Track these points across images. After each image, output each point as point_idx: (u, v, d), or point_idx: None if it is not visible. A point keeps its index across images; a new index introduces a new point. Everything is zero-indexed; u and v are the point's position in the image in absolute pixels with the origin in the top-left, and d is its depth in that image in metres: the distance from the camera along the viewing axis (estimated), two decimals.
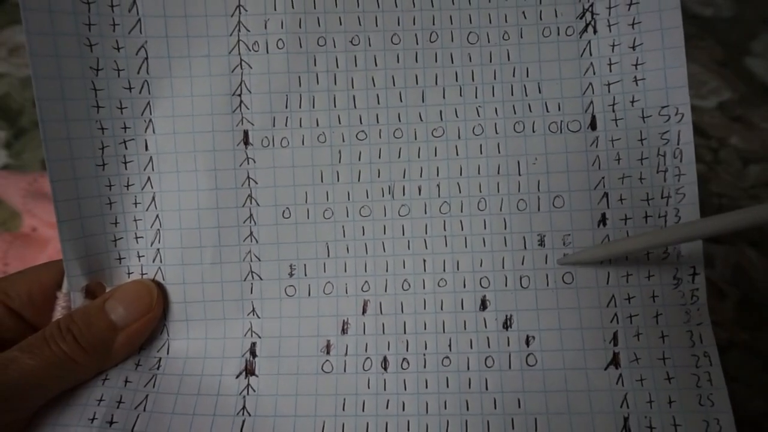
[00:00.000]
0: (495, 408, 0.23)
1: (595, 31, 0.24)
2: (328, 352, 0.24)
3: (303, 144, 0.25)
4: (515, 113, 0.24)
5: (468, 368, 0.23)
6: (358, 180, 0.24)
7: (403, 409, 0.23)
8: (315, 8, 0.24)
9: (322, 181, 0.25)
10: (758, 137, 0.43)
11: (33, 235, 0.43)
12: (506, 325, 0.23)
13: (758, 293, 0.37)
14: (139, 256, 0.25)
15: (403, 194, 0.24)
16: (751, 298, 0.37)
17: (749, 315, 0.36)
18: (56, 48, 0.23)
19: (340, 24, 0.24)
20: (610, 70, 0.24)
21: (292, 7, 0.24)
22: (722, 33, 0.49)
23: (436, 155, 0.24)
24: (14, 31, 0.52)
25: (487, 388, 0.23)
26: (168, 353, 0.24)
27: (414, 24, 0.24)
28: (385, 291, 0.24)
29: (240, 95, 0.24)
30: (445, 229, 0.24)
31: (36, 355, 0.21)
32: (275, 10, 0.24)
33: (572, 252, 0.23)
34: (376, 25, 0.24)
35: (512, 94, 0.24)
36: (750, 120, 0.44)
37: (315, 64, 0.24)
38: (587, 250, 0.23)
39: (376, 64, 0.25)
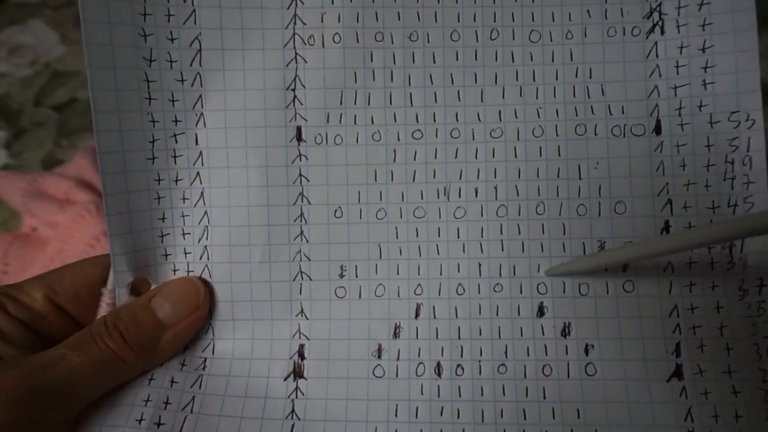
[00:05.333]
0: (554, 418, 0.22)
1: (662, 32, 0.23)
2: (379, 356, 0.23)
3: (357, 142, 0.24)
4: (577, 115, 0.24)
5: (525, 376, 0.22)
6: (413, 180, 0.24)
7: (459, 417, 0.22)
8: (373, 2, 0.24)
9: (375, 180, 0.24)
10: None
11: (33, 235, 0.43)
12: (564, 332, 0.23)
13: None
14: (185, 253, 0.24)
15: (459, 196, 0.24)
16: None
17: None
18: (111, 37, 0.22)
19: (399, 19, 0.24)
20: (678, 73, 0.23)
21: (350, 1, 0.24)
22: None
23: (494, 156, 0.24)
24: (14, 31, 0.52)
25: (545, 398, 0.22)
26: (213, 353, 0.24)
27: (474, 21, 0.24)
28: (439, 295, 0.23)
29: (294, 90, 0.24)
30: (501, 233, 0.23)
31: (84, 352, 0.21)
32: (333, 3, 0.24)
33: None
34: (436, 21, 0.24)
35: (574, 96, 0.24)
36: None
37: (372, 60, 0.24)
38: (576, 261, 0.23)
39: (434, 62, 0.24)
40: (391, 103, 0.24)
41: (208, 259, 0.24)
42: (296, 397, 0.23)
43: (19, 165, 0.49)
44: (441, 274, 0.24)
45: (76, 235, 0.41)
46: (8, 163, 0.49)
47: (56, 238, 0.41)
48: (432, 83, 0.24)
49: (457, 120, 0.24)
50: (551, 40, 0.24)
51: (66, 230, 0.41)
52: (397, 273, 0.24)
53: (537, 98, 0.24)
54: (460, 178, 0.24)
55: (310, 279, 0.24)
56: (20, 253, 0.42)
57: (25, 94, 0.51)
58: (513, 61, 0.24)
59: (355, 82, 0.24)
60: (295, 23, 0.24)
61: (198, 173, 0.24)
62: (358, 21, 0.24)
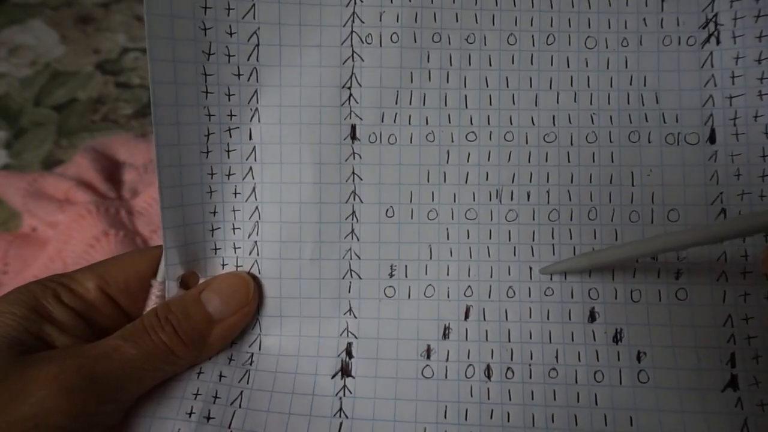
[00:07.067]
0: (606, 425, 0.22)
1: (718, 42, 0.23)
2: (428, 357, 0.23)
3: (411, 142, 0.24)
4: (631, 122, 0.24)
5: (576, 381, 0.22)
6: (466, 182, 0.24)
7: (509, 421, 0.22)
8: (432, 3, 0.24)
9: (428, 181, 0.24)
10: None
11: (33, 235, 0.43)
12: (616, 339, 0.23)
13: None
14: (235, 248, 0.24)
15: (511, 199, 0.24)
16: None
17: None
18: (173, 31, 0.22)
19: (457, 21, 0.24)
20: (733, 83, 0.23)
21: (409, 1, 0.24)
22: None
23: (547, 161, 0.24)
24: (14, 31, 0.52)
25: (596, 404, 0.22)
26: (260, 349, 0.24)
27: (531, 25, 0.24)
28: (489, 297, 0.23)
29: (350, 88, 0.24)
30: (553, 237, 0.23)
31: (137, 344, 0.21)
32: (392, 2, 0.24)
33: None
34: (493, 24, 0.24)
35: (629, 103, 0.24)
36: None
37: (428, 61, 0.24)
38: (571, 260, 0.23)
39: (490, 64, 0.24)
40: (446, 105, 0.24)
41: (257, 254, 0.24)
42: (344, 395, 0.23)
43: (19, 165, 0.48)
44: (491, 276, 0.23)
45: (76, 235, 0.41)
46: (8, 163, 0.48)
47: (56, 238, 0.41)
48: (487, 86, 0.24)
49: (511, 123, 0.24)
50: (607, 47, 0.24)
51: (66, 230, 0.41)
52: (447, 274, 0.24)
53: (591, 104, 0.24)
54: (513, 182, 0.24)
55: (360, 277, 0.24)
56: (20, 253, 0.42)
57: (25, 94, 0.51)
58: (568, 66, 0.24)
59: (411, 82, 0.24)
60: (353, 21, 0.24)
61: (251, 168, 0.24)
62: (416, 21, 0.24)
